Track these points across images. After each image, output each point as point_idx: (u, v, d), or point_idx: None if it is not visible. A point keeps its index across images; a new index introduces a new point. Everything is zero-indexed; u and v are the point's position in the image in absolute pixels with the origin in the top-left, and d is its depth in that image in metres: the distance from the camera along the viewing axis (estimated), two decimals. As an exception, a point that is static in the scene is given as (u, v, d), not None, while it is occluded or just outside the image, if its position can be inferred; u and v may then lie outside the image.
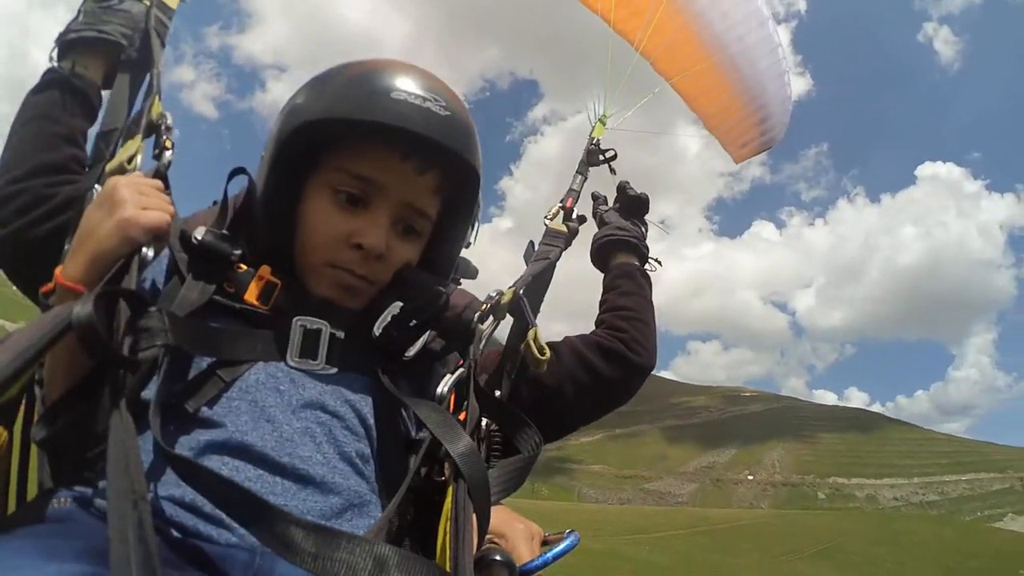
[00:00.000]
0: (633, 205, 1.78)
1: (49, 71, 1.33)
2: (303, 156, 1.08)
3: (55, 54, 1.35)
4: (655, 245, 1.76)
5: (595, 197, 1.88)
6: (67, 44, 1.34)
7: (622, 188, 1.80)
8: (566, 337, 1.48)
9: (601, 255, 1.72)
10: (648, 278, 1.66)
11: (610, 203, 1.84)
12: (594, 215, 1.81)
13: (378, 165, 1.08)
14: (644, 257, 1.70)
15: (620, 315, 1.53)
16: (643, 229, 1.77)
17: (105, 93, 1.39)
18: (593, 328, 1.54)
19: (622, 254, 1.69)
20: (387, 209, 1.10)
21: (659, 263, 1.72)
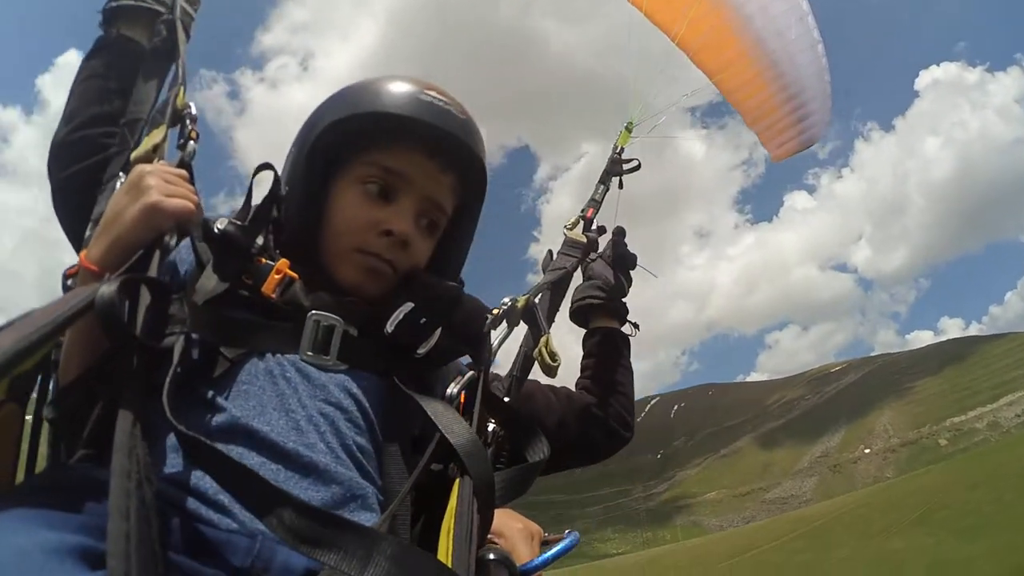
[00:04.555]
0: (622, 260, 1.86)
1: (98, 38, 1.44)
2: (333, 153, 1.13)
3: (102, 23, 1.44)
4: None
5: (587, 242, 1.87)
6: (110, 12, 1.44)
7: (616, 239, 1.88)
8: (563, 387, 1.59)
9: (581, 313, 1.80)
10: (628, 342, 1.77)
11: (602, 245, 1.89)
12: (582, 264, 1.85)
13: (407, 160, 1.13)
14: (623, 318, 1.80)
15: (605, 387, 1.65)
16: (626, 284, 1.85)
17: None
18: (577, 386, 1.67)
19: (603, 317, 1.78)
20: (413, 202, 1.15)
21: (636, 327, 1.79)
